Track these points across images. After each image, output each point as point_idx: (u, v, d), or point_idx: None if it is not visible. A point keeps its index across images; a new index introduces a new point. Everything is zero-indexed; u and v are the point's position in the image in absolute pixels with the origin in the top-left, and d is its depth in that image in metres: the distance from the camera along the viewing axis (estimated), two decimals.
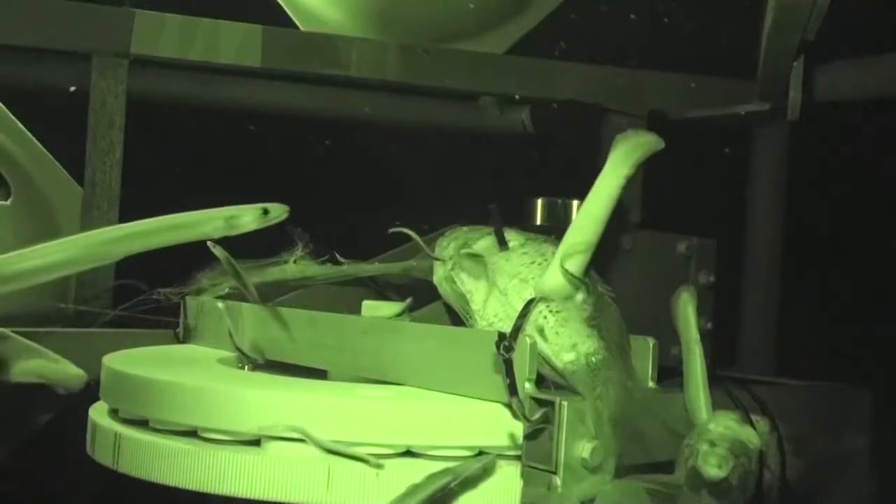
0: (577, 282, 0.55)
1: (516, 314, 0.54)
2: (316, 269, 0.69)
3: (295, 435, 0.52)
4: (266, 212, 0.61)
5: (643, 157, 0.61)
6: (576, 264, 0.55)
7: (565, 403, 0.48)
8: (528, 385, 0.50)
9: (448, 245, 0.65)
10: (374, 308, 0.68)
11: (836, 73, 1.09)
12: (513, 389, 0.51)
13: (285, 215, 0.61)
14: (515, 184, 1.14)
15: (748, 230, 1.18)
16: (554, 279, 0.55)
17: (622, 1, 1.10)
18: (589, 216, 0.58)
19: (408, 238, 0.67)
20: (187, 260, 0.68)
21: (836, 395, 0.69)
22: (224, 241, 0.63)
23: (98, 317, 0.79)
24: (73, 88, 0.94)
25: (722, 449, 0.50)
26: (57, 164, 0.95)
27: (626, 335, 0.55)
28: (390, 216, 0.69)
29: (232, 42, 1.01)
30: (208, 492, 0.53)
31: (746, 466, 0.50)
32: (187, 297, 0.75)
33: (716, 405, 0.53)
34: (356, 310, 0.68)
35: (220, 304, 0.71)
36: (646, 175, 1.10)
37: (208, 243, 0.62)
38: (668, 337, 0.57)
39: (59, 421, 0.85)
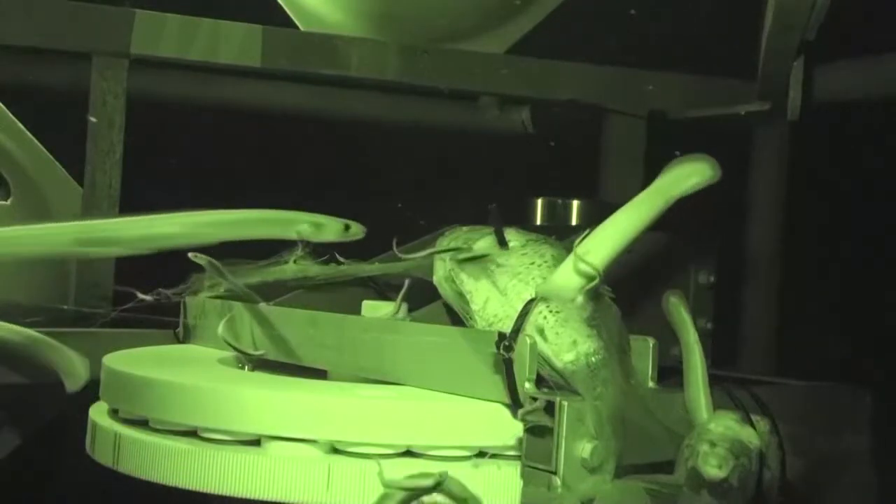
0: (585, 287, 0.54)
1: (516, 314, 0.54)
2: (316, 269, 0.69)
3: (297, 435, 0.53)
4: (347, 227, 0.63)
5: (695, 188, 0.58)
6: (587, 272, 0.54)
7: (565, 403, 0.48)
8: (528, 385, 0.50)
9: (448, 245, 0.65)
10: (374, 308, 0.68)
11: (837, 73, 1.09)
12: (513, 389, 0.51)
13: (361, 235, 0.63)
14: (515, 184, 1.14)
15: (748, 230, 1.18)
16: (559, 282, 0.54)
17: (622, 1, 1.10)
18: (615, 229, 0.55)
19: (409, 237, 0.67)
20: (187, 260, 0.68)
21: (836, 395, 0.69)
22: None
23: (98, 317, 0.79)
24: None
25: (722, 449, 0.50)
26: (57, 164, 0.95)
27: (626, 335, 0.55)
28: (390, 216, 0.69)
29: (232, 42, 1.01)
30: (208, 492, 0.53)
31: (747, 467, 0.50)
32: (187, 297, 0.75)
33: (716, 405, 0.53)
34: (356, 310, 0.68)
35: (219, 304, 0.71)
36: (646, 175, 1.10)
37: (189, 254, 0.63)
38: (668, 337, 0.57)
39: (59, 421, 0.85)
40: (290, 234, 0.65)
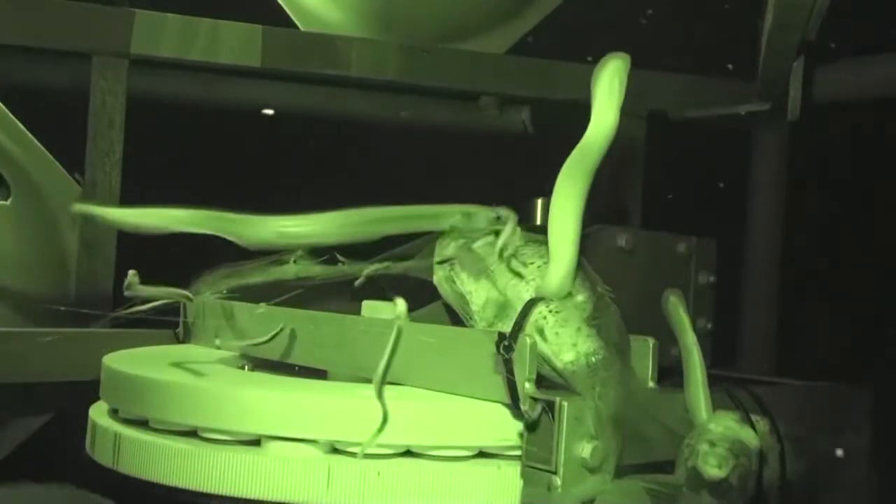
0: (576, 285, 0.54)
1: (516, 314, 0.54)
2: (316, 269, 0.69)
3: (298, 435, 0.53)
4: (498, 218, 0.62)
5: (624, 84, 0.57)
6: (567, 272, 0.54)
7: (565, 403, 0.48)
8: (528, 385, 0.50)
9: (448, 245, 0.65)
10: (374, 308, 0.68)
11: (837, 73, 1.09)
12: (513, 389, 0.51)
13: (510, 221, 0.62)
14: (515, 184, 1.14)
15: (748, 230, 1.18)
16: (554, 282, 0.54)
17: (622, 1, 1.10)
18: (573, 182, 0.55)
19: (408, 238, 0.67)
20: (187, 260, 0.68)
21: (836, 395, 0.69)
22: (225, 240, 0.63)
23: (98, 317, 0.79)
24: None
25: (722, 449, 0.50)
26: (57, 164, 0.95)
27: (626, 335, 0.55)
28: None
29: (232, 42, 1.01)
30: (208, 492, 0.53)
31: (746, 466, 0.50)
32: None
33: (716, 405, 0.53)
34: (356, 310, 0.68)
35: (219, 304, 0.71)
36: (646, 175, 1.11)
37: (130, 273, 0.63)
38: (668, 337, 0.57)
39: (59, 421, 0.85)
40: (443, 227, 0.63)
